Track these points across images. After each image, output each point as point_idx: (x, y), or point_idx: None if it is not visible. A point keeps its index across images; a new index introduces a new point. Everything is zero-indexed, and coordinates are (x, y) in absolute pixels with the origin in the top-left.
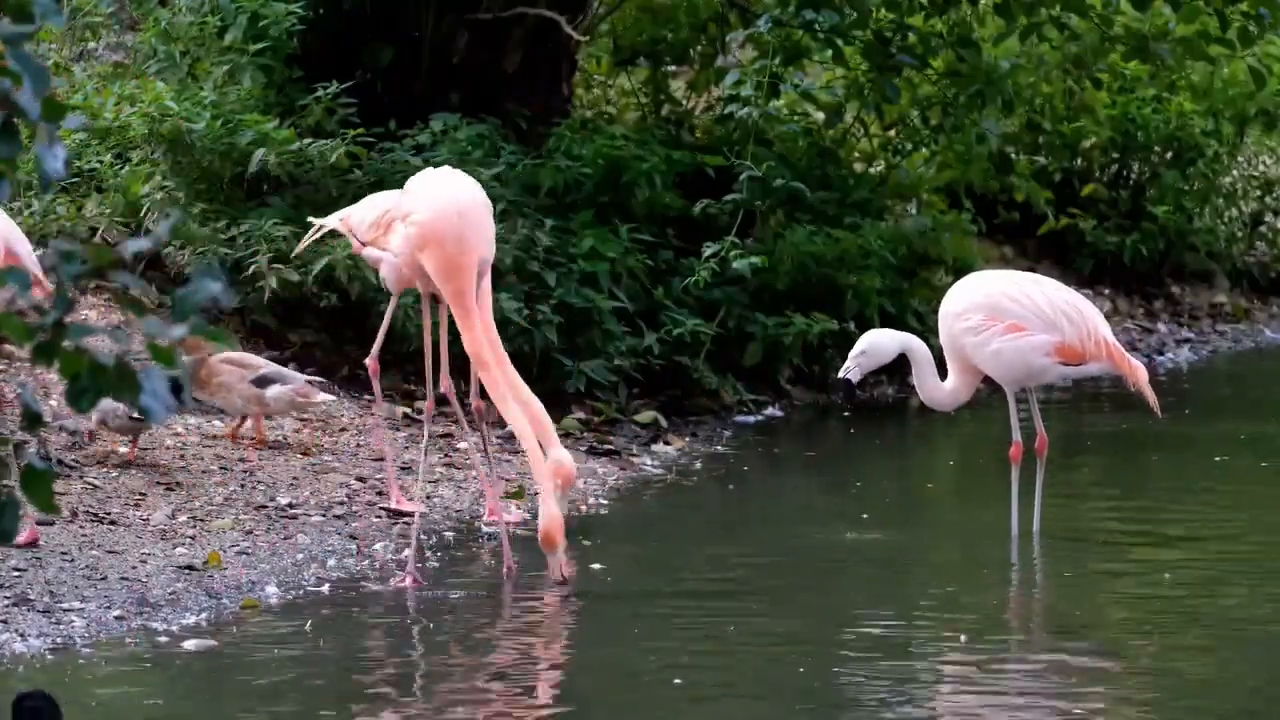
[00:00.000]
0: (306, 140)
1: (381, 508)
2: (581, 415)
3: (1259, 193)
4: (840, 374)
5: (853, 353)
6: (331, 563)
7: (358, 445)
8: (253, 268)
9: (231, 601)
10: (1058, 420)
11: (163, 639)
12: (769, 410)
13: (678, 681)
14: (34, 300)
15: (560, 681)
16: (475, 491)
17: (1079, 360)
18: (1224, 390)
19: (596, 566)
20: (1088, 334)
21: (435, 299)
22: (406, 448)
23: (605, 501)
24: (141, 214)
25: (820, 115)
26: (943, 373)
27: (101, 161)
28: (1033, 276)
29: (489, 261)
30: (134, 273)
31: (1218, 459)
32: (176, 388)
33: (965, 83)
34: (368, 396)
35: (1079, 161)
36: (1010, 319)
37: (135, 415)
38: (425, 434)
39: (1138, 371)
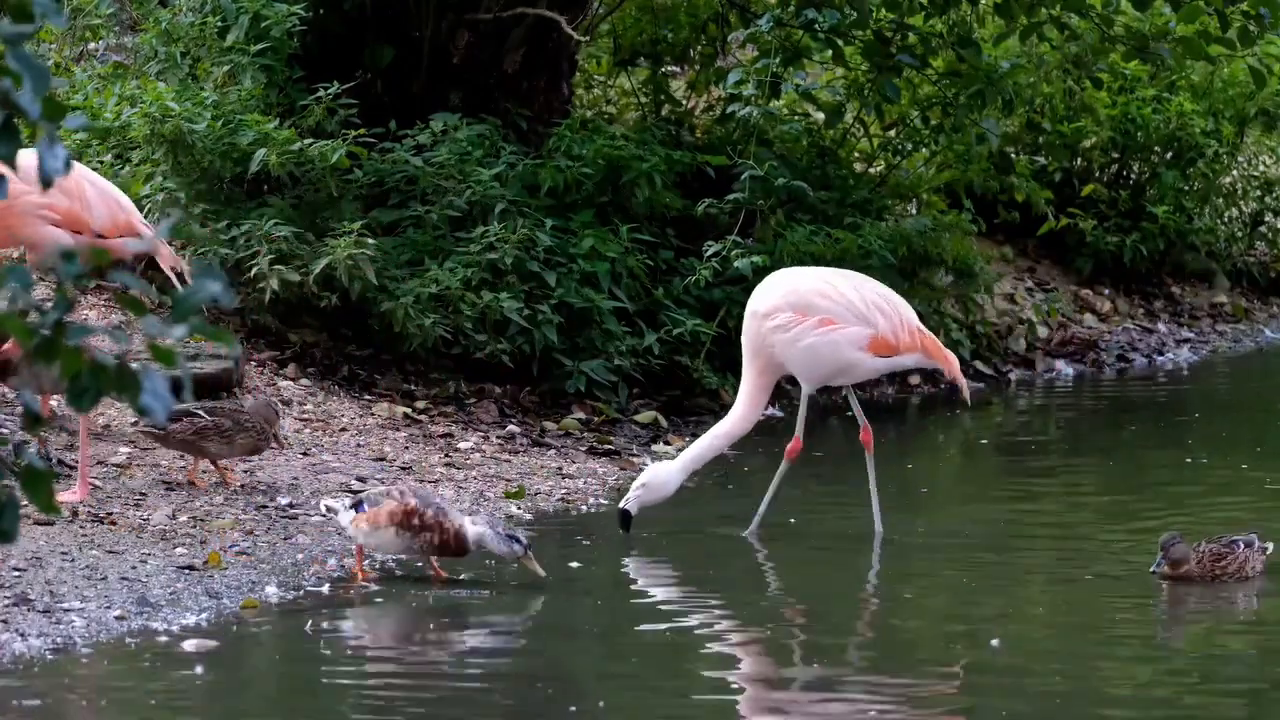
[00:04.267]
0: (307, 140)
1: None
2: (581, 415)
3: (1259, 193)
4: (620, 504)
5: (634, 484)
6: (331, 563)
7: (358, 445)
8: (254, 268)
9: (231, 601)
10: (1064, 418)
11: (163, 639)
12: (769, 410)
13: (678, 680)
14: (34, 301)
15: (560, 681)
16: (475, 492)
17: (892, 352)
18: (1225, 390)
19: (596, 567)
20: (901, 325)
21: None
22: (406, 448)
23: (605, 501)
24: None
25: (820, 115)
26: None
27: (102, 162)
28: (841, 271)
29: None
30: (134, 273)
31: (1207, 460)
32: (177, 387)
33: (965, 83)
34: (367, 397)
35: (1079, 161)
36: (820, 314)
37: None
38: None
39: (951, 361)
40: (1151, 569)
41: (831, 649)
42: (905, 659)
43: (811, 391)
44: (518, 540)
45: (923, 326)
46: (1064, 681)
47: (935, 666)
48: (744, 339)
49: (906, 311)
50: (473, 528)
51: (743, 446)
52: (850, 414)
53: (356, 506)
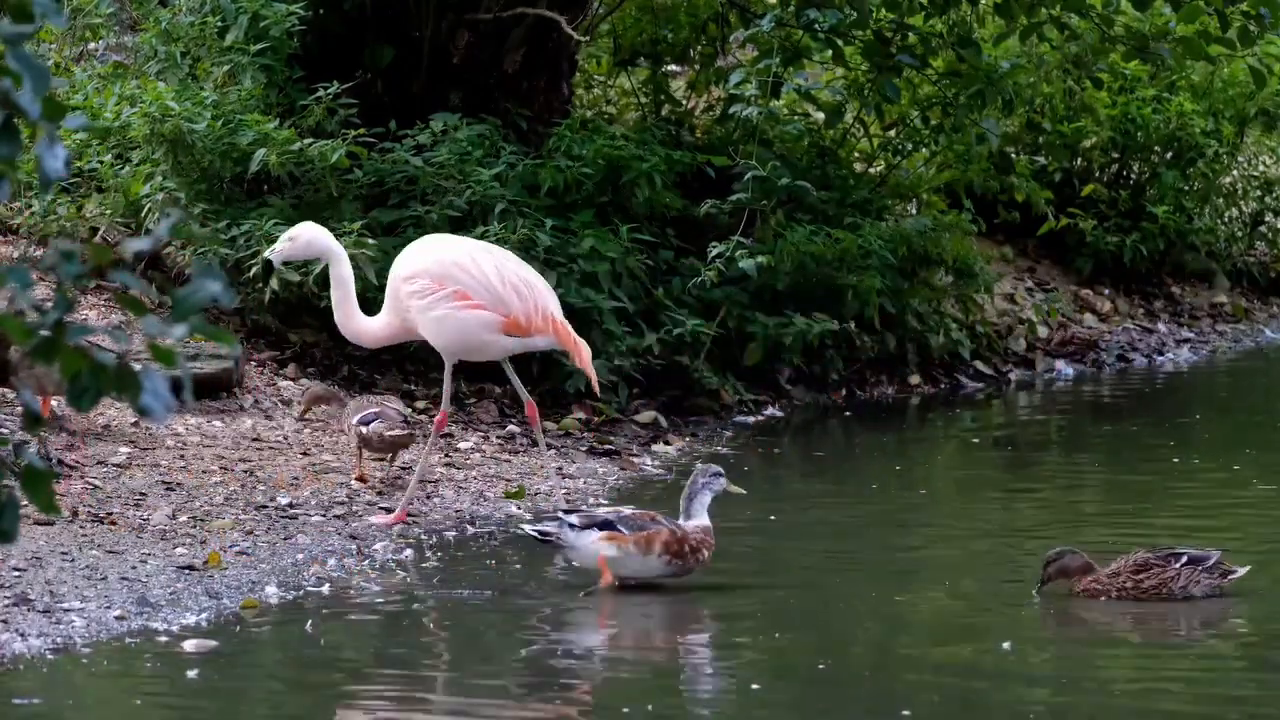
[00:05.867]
0: (307, 140)
1: None
2: (581, 415)
3: (1259, 193)
4: (265, 254)
5: (284, 236)
6: (331, 563)
7: None
8: (253, 268)
9: (231, 601)
10: (1063, 418)
11: (163, 639)
12: (769, 410)
13: (678, 679)
14: (34, 300)
15: (559, 679)
16: (475, 492)
17: (524, 334)
18: (1225, 390)
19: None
20: (535, 309)
21: None
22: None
23: (605, 502)
24: (142, 214)
25: (820, 115)
26: None
27: (102, 162)
28: (486, 246)
29: None
30: (134, 273)
31: (1200, 460)
32: (177, 387)
33: (965, 83)
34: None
35: (1079, 161)
36: (456, 286)
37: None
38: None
39: (581, 349)
40: (1034, 591)
41: (834, 649)
42: (908, 660)
43: (453, 363)
44: (719, 475)
45: (559, 314)
46: (1070, 683)
47: (939, 667)
48: (386, 299)
49: (546, 297)
50: (702, 521)
51: (742, 447)
52: (849, 414)
53: (603, 527)
